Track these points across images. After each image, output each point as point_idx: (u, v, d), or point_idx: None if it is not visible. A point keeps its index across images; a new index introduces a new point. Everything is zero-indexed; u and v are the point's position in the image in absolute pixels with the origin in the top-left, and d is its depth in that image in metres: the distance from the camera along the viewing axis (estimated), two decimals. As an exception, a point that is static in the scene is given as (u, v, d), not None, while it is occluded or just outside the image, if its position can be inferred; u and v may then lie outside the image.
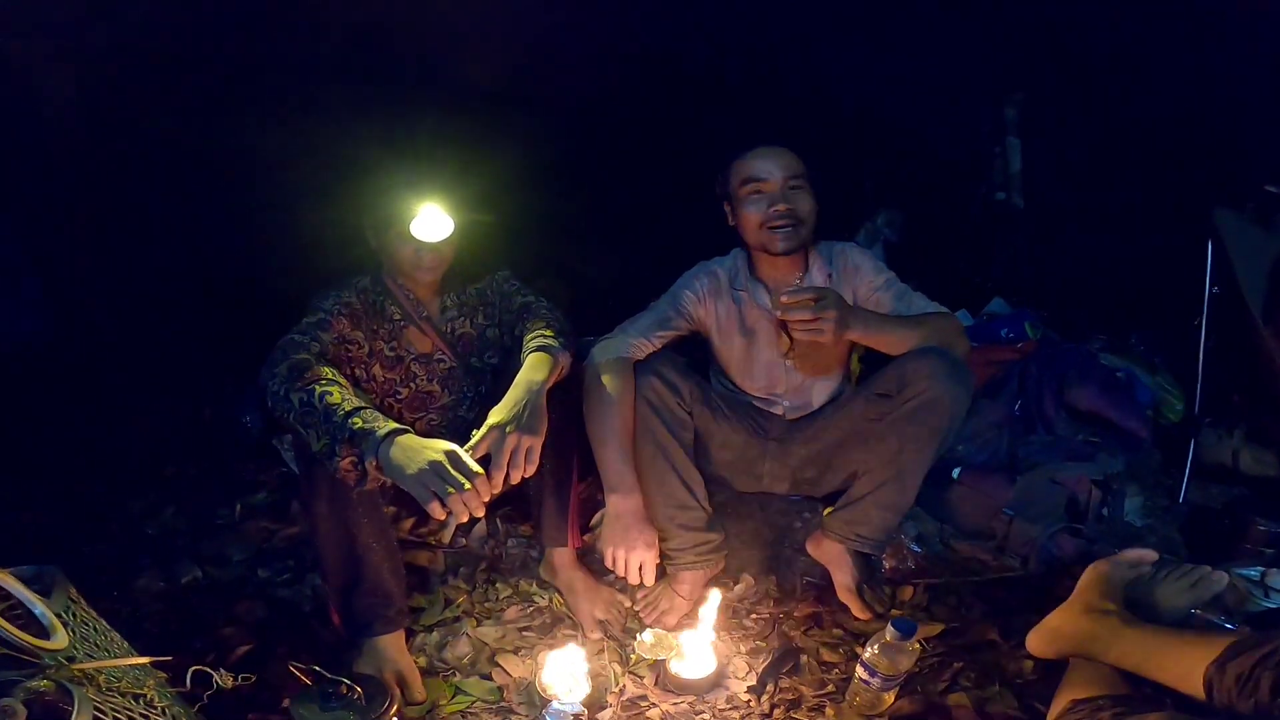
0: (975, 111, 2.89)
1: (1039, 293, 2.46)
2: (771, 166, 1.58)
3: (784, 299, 1.43)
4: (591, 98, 2.72)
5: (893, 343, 1.54)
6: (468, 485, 1.19)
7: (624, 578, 1.59)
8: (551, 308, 1.66)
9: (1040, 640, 1.23)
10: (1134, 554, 1.24)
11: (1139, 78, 2.65)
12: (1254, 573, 1.53)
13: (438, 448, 1.23)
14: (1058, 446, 1.95)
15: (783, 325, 1.59)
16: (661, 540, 1.62)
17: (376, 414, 1.28)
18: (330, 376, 1.34)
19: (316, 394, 1.29)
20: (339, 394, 1.30)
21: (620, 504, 1.56)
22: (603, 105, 2.77)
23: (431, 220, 1.48)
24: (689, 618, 1.57)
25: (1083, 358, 2.12)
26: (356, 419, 1.25)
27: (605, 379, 1.55)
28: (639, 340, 1.64)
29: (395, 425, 1.26)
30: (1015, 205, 2.86)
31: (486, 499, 1.22)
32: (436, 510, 1.19)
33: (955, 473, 1.91)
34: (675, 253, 1.83)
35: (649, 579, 1.59)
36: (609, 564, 1.59)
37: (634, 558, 1.56)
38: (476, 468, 1.23)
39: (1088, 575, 1.23)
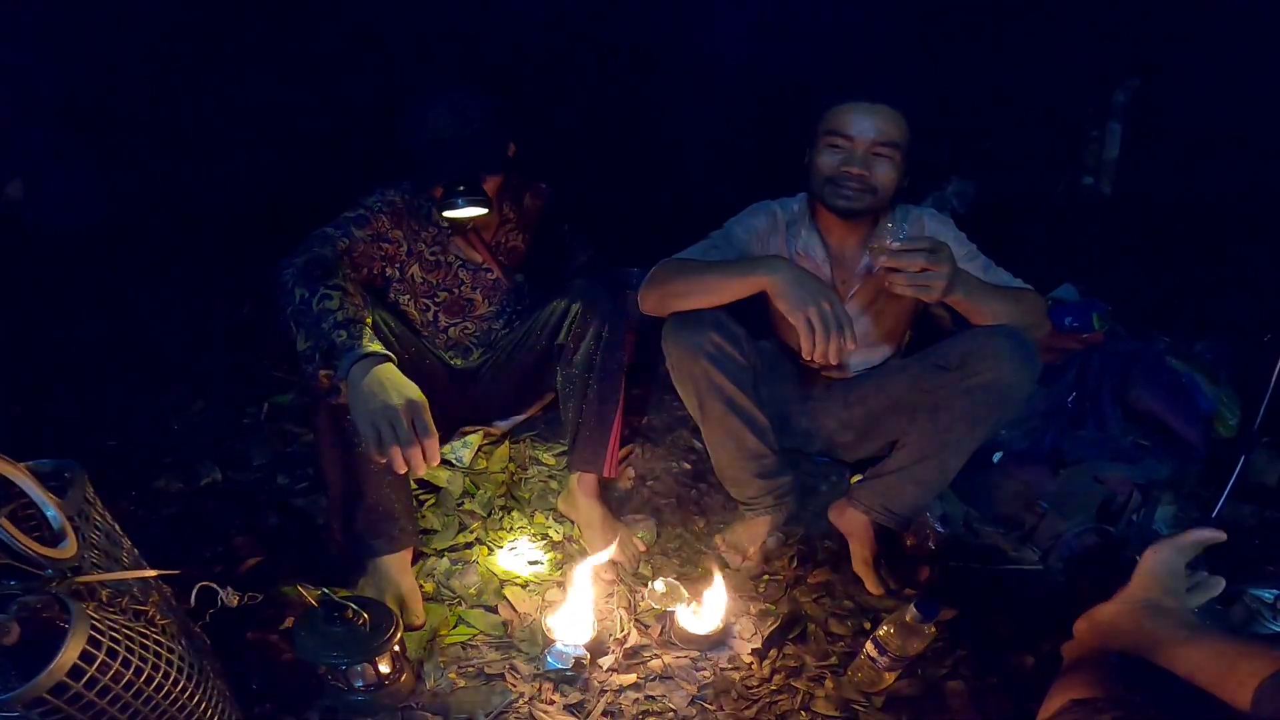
0: (1078, 91, 2.70)
1: (1108, 284, 2.32)
2: (864, 125, 1.42)
3: (893, 244, 1.25)
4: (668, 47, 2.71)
5: (987, 314, 1.41)
6: (414, 444, 1.14)
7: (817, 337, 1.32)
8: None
9: (1092, 632, 1.09)
10: (1199, 535, 1.12)
11: (1252, 77, 2.43)
12: (1268, 594, 1.45)
13: (406, 394, 1.16)
14: (1104, 445, 1.87)
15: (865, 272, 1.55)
16: (737, 490, 1.65)
17: (367, 332, 1.23)
18: (339, 281, 1.28)
19: (318, 294, 1.24)
20: (339, 300, 1.24)
21: (786, 270, 1.35)
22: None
23: (460, 210, 1.44)
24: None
25: (1150, 358, 2.01)
26: (343, 332, 1.20)
27: (669, 271, 1.47)
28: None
29: (379, 350, 1.20)
30: (1102, 192, 2.69)
31: (432, 464, 1.16)
32: (373, 451, 1.15)
33: (996, 457, 1.85)
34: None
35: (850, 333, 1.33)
36: (805, 325, 1.31)
37: (826, 305, 1.31)
38: (432, 429, 1.16)
39: (1148, 561, 1.07)
